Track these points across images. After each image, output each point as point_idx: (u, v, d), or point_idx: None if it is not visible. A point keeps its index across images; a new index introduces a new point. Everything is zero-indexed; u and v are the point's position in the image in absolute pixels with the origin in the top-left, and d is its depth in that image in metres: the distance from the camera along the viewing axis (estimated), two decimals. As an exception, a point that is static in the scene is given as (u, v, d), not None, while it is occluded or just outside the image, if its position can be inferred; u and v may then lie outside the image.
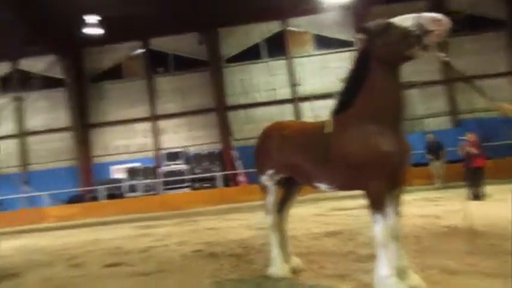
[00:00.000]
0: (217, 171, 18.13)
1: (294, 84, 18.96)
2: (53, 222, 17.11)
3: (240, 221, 11.02)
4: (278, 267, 4.79)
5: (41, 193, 18.55)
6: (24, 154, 19.85)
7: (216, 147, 18.96)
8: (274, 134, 4.82)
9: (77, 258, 7.90)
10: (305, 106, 18.76)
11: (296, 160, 4.41)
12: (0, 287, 6.08)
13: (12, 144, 19.95)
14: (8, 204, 19.29)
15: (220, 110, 18.51)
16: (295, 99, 18.88)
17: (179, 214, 15.47)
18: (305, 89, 18.86)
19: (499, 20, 18.50)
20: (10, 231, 14.61)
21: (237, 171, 18.15)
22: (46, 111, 19.95)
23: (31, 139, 20.11)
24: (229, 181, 18.50)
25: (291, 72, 19.02)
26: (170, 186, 18.19)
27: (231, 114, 19.05)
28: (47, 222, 16.91)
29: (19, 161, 19.99)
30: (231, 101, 19.04)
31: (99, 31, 16.47)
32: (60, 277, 6.34)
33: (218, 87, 18.51)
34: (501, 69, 18.23)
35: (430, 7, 16.10)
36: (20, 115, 20.03)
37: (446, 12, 4.48)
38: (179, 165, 18.36)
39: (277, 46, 19.12)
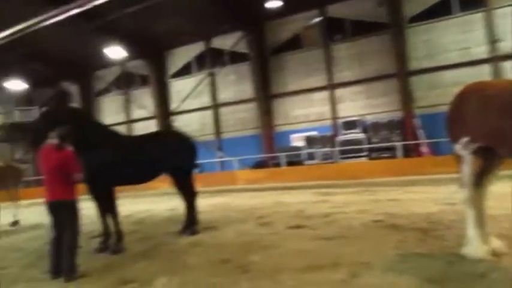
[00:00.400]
0: (397, 140, 17.18)
1: (493, 41, 16.24)
2: (242, 184, 19.03)
3: (424, 194, 10.27)
4: (475, 247, 4.25)
5: (232, 158, 20.75)
6: (217, 123, 22.49)
7: (396, 115, 17.89)
8: (473, 96, 4.20)
9: (265, 217, 8.65)
10: (507, 66, 15.95)
11: (502, 126, 3.76)
12: (204, 236, 7.09)
13: (208, 115, 22.81)
14: (205, 167, 22.27)
15: (401, 75, 17.27)
16: (495, 58, 16.20)
17: (356, 183, 15.32)
18: (507, 45, 15.97)
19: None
20: (208, 191, 16.82)
21: (419, 141, 16.86)
22: (234, 84, 22.04)
23: (222, 110, 22.59)
24: (410, 152, 17.34)
25: (490, 27, 16.31)
26: (347, 155, 18.11)
27: (414, 80, 17.59)
28: (237, 184, 18.92)
29: (213, 129, 22.74)
30: (413, 65, 17.54)
31: (279, 3, 17.12)
32: (251, 233, 7.03)
33: (399, 51, 17.23)
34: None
35: None
36: (213, 89, 22.63)
37: None
38: (356, 134, 18.07)
39: (471, -3, 16.61)
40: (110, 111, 26.80)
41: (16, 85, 26.74)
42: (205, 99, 22.84)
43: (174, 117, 23.97)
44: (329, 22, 19.22)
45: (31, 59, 23.59)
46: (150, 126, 23.21)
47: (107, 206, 6.45)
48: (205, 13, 19.84)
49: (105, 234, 6.61)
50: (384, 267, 4.39)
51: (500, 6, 16.06)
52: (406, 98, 17.23)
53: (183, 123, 23.00)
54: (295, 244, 5.88)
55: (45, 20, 16.70)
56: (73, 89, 27.61)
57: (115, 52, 21.44)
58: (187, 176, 7.51)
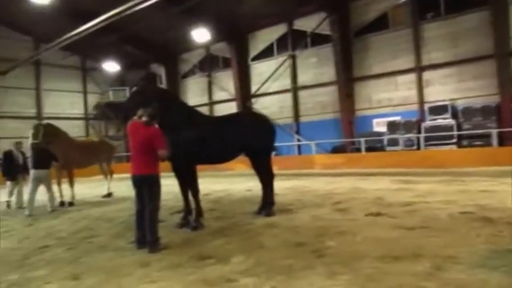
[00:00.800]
0: (493, 127, 15.69)
1: None
2: (319, 169, 18.80)
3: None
4: None
5: (309, 142, 20.54)
6: (296, 107, 22.32)
7: (492, 100, 16.28)
8: None
9: (342, 203, 8.46)
10: None
11: None
12: (279, 218, 7.13)
13: (287, 98, 22.72)
14: (282, 150, 22.36)
15: (501, 56, 15.59)
16: None
17: (443, 172, 14.38)
18: None
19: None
20: (284, 174, 16.86)
21: (517, 129, 15.24)
22: (315, 67, 21.58)
23: (302, 93, 22.33)
24: (507, 140, 15.76)
25: None
26: (433, 142, 16.98)
27: (515, 61, 15.80)
28: (314, 169, 18.73)
29: (292, 112, 22.62)
30: (517, 44, 15.74)
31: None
32: (328, 218, 6.91)
33: (500, 29, 15.51)
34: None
35: None
36: (293, 71, 22.41)
37: None
38: (445, 120, 16.81)
39: None
40: (194, 93, 27.88)
41: (111, 67, 28.91)
42: (285, 82, 22.74)
43: (254, 100, 24.24)
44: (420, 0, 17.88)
45: (124, 42, 25.24)
46: (231, 108, 23.78)
47: (188, 184, 6.73)
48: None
49: (186, 210, 6.91)
50: (472, 262, 4.06)
51: None
52: (505, 81, 15.57)
53: (262, 106, 23.20)
54: (373, 232, 5.67)
55: (140, 2, 17.70)
56: (160, 70, 29.08)
57: (200, 35, 22.10)
58: (265, 157, 7.58)
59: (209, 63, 26.75)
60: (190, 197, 6.86)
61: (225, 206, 9.16)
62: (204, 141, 6.70)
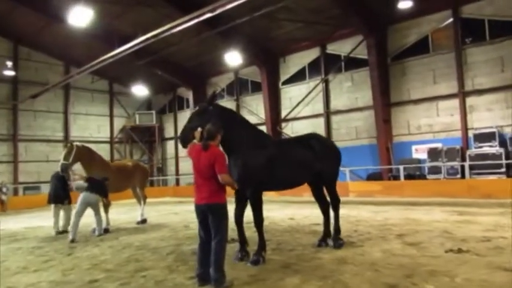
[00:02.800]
0: (546, 156, 14.73)
1: None
2: (354, 196, 17.95)
3: None
4: None
5: (344, 168, 19.74)
6: (328, 131, 21.64)
7: (545, 127, 15.40)
8: None
9: (406, 236, 7.68)
10: None
11: None
12: (347, 252, 6.41)
13: (319, 122, 22.09)
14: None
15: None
16: None
17: (493, 203, 13.45)
18: None
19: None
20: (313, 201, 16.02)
21: None
22: (349, 91, 21.01)
23: (335, 118, 21.69)
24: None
25: None
26: (479, 171, 16.05)
27: None
28: (348, 196, 17.86)
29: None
30: None
31: (408, 4, 15.73)
32: (403, 254, 6.15)
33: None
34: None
35: None
36: (326, 95, 21.87)
37: None
38: (492, 148, 15.91)
39: None
40: (221, 117, 27.55)
41: (139, 91, 28.95)
42: (317, 106, 22.19)
43: (284, 124, 23.72)
44: (463, 23, 17.27)
45: (153, 66, 25.26)
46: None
47: (253, 213, 6.09)
48: (323, 17, 19.30)
49: (242, 241, 6.26)
50: None
51: None
52: (559, 108, 14.72)
53: (293, 131, 22.63)
54: (470, 273, 4.91)
55: (174, 27, 17.60)
56: (188, 94, 28.94)
57: (231, 59, 21.90)
58: (334, 183, 7.03)
59: (238, 87, 26.50)
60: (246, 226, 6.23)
61: (275, 236, 8.45)
62: (273, 165, 6.12)
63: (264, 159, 6.04)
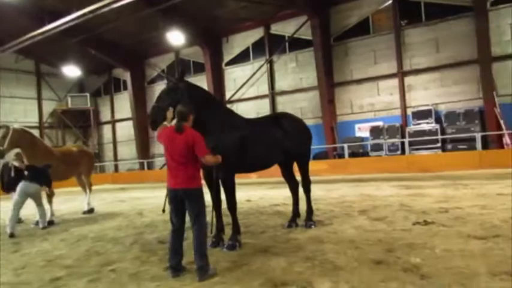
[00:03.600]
0: (476, 131, 15.91)
1: None
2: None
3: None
4: None
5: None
6: (274, 113, 21.68)
7: (474, 104, 16.58)
8: None
9: (369, 212, 7.85)
10: None
11: None
12: (320, 231, 6.40)
13: (265, 104, 22.06)
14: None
15: (484, 61, 15.89)
16: None
17: (433, 176, 14.37)
18: None
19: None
20: (267, 182, 16.06)
21: (502, 132, 15.55)
22: (294, 72, 21.15)
23: (280, 98, 21.78)
24: (491, 143, 16.07)
25: None
26: (418, 147, 17.02)
27: (495, 66, 16.16)
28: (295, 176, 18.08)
29: (270, 118, 21.98)
30: (496, 51, 16.11)
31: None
32: (375, 229, 6.24)
33: (482, 35, 15.83)
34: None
35: None
36: (271, 76, 21.85)
37: None
38: (429, 124, 16.90)
39: None
40: (162, 99, 26.58)
41: (70, 71, 26.93)
42: (262, 88, 22.11)
43: (229, 106, 23.37)
44: (402, 5, 17.94)
45: (86, 45, 23.57)
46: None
47: (226, 196, 5.82)
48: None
49: (219, 227, 5.99)
50: None
51: None
52: (488, 86, 15.89)
53: (238, 112, 22.36)
54: (446, 244, 5.06)
55: (112, 3, 16.39)
56: (125, 76, 27.47)
57: (173, 38, 21.02)
58: (306, 162, 6.94)
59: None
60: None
61: (240, 219, 8.12)
62: (246, 146, 5.85)
63: (236, 140, 5.76)
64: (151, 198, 14.20)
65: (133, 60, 26.35)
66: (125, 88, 28.11)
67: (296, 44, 20.92)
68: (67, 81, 29.34)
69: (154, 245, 6.37)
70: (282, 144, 6.42)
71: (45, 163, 9.08)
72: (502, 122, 15.69)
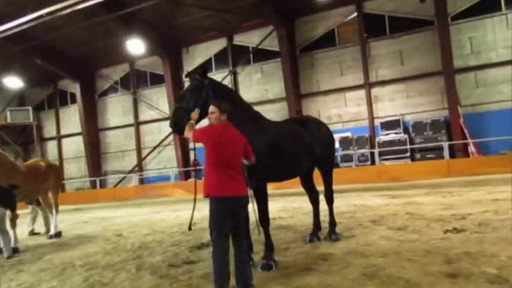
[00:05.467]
0: (443, 140, 16.40)
1: (541, 39, 15.82)
2: (271, 188, 17.71)
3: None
4: None
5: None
6: (238, 125, 21.14)
7: (439, 114, 17.15)
8: None
9: (381, 221, 7.51)
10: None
11: None
12: (348, 244, 5.88)
13: (229, 116, 21.40)
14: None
15: (448, 73, 16.51)
16: (544, 56, 15.77)
17: (405, 185, 14.50)
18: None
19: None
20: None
21: (468, 141, 16.15)
22: (259, 83, 20.77)
23: (245, 110, 21.21)
24: (457, 152, 16.63)
25: (538, 24, 15.88)
26: (387, 157, 17.22)
27: (457, 78, 16.86)
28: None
29: (235, 131, 21.38)
30: (458, 63, 16.83)
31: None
32: (407, 239, 5.81)
33: (444, 48, 16.48)
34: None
35: None
36: (235, 88, 21.30)
37: None
38: (398, 135, 17.20)
39: (520, -6, 16.12)
40: (115, 113, 25.12)
41: (12, 83, 24.58)
42: (226, 99, 21.45)
43: (190, 118, 22.46)
44: (367, 18, 18.31)
45: (31, 54, 21.67)
46: (163, 128, 21.78)
47: (259, 208, 5.11)
48: (230, 7, 18.64)
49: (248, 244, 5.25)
50: None
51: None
52: (452, 97, 16.50)
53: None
54: (504, 250, 4.75)
55: (63, 9, 15.07)
56: (74, 88, 25.58)
57: (129, 47, 19.85)
58: (331, 170, 6.38)
59: (135, 80, 24.29)
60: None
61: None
62: (277, 152, 5.20)
63: (268, 146, 5.11)
64: (121, 218, 13.00)
65: (84, 71, 24.64)
66: (73, 101, 26.19)
67: (261, 55, 20.62)
68: (5, 93, 26.81)
69: (166, 269, 5.50)
70: (311, 149, 5.86)
71: (10, 182, 7.80)
72: (466, 131, 16.28)
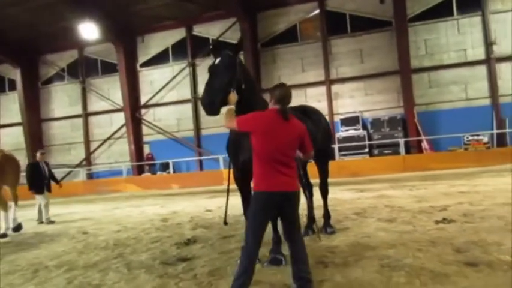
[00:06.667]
0: (400, 137, 17.04)
1: (489, 43, 16.88)
2: (232, 184, 17.44)
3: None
4: None
5: (216, 156, 19.12)
6: (196, 119, 20.57)
7: (396, 112, 17.80)
8: None
9: (365, 213, 7.54)
10: (502, 68, 16.71)
11: None
12: (347, 235, 5.78)
13: (186, 109, 20.80)
14: (181, 166, 20.30)
15: (405, 72, 17.16)
16: (490, 60, 16.84)
17: (365, 180, 14.89)
18: (502, 49, 16.75)
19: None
20: (202, 191, 15.05)
21: (422, 138, 16.90)
22: (219, 77, 20.27)
23: (202, 104, 20.68)
24: (411, 148, 17.36)
25: (486, 30, 16.93)
26: (347, 152, 17.58)
27: (413, 78, 17.59)
28: (223, 184, 17.25)
29: (192, 125, 20.79)
30: (414, 63, 17.55)
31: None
32: (404, 230, 5.83)
33: (402, 49, 17.11)
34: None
35: None
36: (193, 80, 20.71)
37: None
38: (357, 131, 17.61)
39: (471, 1, 17.11)
40: (61, 102, 23.48)
41: None
42: (184, 92, 20.80)
43: (144, 110, 21.53)
44: (328, 16, 18.52)
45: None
46: (117, 119, 20.70)
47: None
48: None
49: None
50: None
51: (497, 12, 16.80)
52: (408, 96, 17.17)
53: (156, 117, 20.75)
54: (504, 239, 4.87)
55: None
56: (14, 74, 23.54)
57: (77, 32, 18.59)
58: (327, 162, 6.21)
59: (83, 68, 22.83)
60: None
61: (233, 230, 7.16)
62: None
63: None
64: (77, 214, 12.17)
65: (26, 55, 22.72)
66: (12, 88, 24.14)
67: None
68: None
69: (161, 267, 5.05)
70: (314, 140, 5.65)
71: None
72: (420, 128, 17.03)
